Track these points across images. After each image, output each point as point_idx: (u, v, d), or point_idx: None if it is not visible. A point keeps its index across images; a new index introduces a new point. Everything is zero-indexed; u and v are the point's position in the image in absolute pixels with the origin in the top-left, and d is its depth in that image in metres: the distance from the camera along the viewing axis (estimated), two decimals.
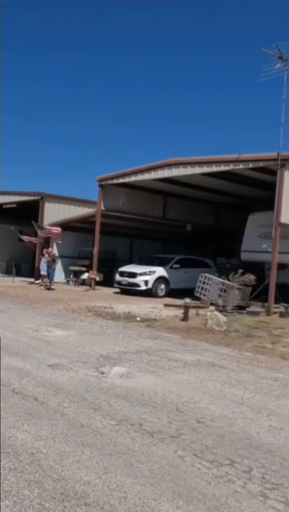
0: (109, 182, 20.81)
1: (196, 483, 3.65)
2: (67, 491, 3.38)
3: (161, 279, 19.83)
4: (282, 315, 13.48)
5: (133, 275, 19.77)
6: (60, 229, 22.37)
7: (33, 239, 23.49)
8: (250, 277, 14.87)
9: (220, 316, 11.36)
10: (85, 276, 23.01)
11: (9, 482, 3.45)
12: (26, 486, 3.41)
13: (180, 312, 12.95)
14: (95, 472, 3.71)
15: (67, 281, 23.81)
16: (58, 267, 23.01)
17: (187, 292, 15.97)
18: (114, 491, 3.43)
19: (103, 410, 5.17)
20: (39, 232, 23.19)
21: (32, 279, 23.78)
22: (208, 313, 11.62)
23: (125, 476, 3.68)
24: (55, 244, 24.09)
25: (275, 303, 14.22)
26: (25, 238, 23.51)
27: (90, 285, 21.41)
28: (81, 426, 4.67)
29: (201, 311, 12.98)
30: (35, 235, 24.07)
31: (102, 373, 6.73)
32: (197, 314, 12.69)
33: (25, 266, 27.11)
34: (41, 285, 21.56)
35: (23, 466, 3.73)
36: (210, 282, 15.58)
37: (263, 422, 5.16)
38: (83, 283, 22.83)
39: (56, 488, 3.41)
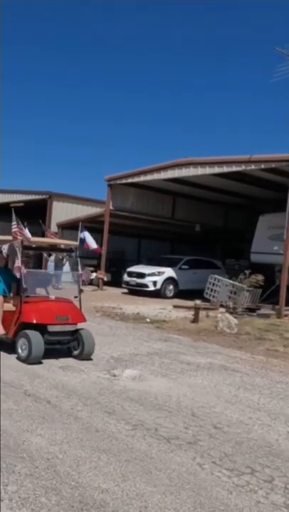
0: (118, 182, 20.69)
1: (217, 493, 3.54)
2: (86, 499, 3.27)
3: (169, 280, 19.69)
4: None
5: (142, 276, 19.64)
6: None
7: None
8: (258, 277, 14.70)
9: (231, 318, 11.23)
10: (93, 276, 22.91)
11: (26, 489, 3.36)
12: (43, 494, 3.31)
13: (189, 313, 12.83)
14: (113, 479, 3.60)
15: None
16: (66, 267, 22.91)
17: (196, 293, 15.83)
18: (134, 500, 3.32)
19: (117, 414, 5.07)
20: (47, 233, 23.09)
21: None
22: (219, 315, 11.49)
23: (144, 483, 3.58)
24: None
25: (286, 305, 14.05)
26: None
27: (98, 285, 21.31)
28: (96, 430, 4.57)
29: (211, 313, 12.83)
30: (43, 234, 23.99)
31: (114, 376, 6.63)
32: (207, 316, 12.55)
33: (31, 265, 27.04)
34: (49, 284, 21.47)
35: (39, 472, 3.63)
36: (219, 284, 15.44)
37: (281, 428, 5.04)
38: (91, 283, 22.73)
39: (74, 496, 3.30)
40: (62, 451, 4.02)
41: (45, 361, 7.12)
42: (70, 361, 7.29)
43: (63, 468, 3.71)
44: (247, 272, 14.84)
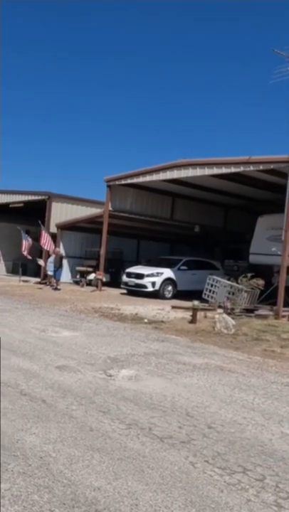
0: (117, 182, 20.74)
1: (208, 491, 3.57)
2: (78, 497, 3.30)
3: (168, 281, 19.74)
4: None
5: (140, 276, 19.69)
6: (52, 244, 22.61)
7: (26, 249, 23.35)
8: (260, 282, 14.71)
9: (228, 319, 11.25)
10: (92, 276, 22.97)
11: (18, 486, 3.39)
12: (36, 491, 3.34)
13: (188, 314, 12.86)
14: (105, 478, 3.63)
15: (76, 282, 23.74)
16: (65, 267, 22.98)
17: (194, 294, 15.88)
18: (125, 498, 3.35)
19: (112, 414, 5.10)
20: (44, 233, 23.17)
21: (38, 279, 23.78)
22: (217, 316, 11.51)
23: (136, 482, 3.61)
24: (62, 244, 24.08)
25: (284, 306, 14.08)
26: (24, 249, 23.38)
27: (97, 286, 21.35)
28: (90, 429, 4.60)
29: (209, 314, 12.87)
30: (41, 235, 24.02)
31: (110, 376, 6.66)
32: (205, 317, 12.59)
33: (31, 265, 27.09)
34: (48, 285, 21.53)
35: (33, 470, 3.66)
36: (218, 285, 15.47)
37: (275, 428, 5.06)
38: (90, 283, 22.80)
39: (66, 494, 3.33)
40: (55, 450, 4.05)
41: (41, 361, 7.16)
42: (67, 361, 7.32)
43: (56, 467, 3.74)
44: (249, 274, 14.85)
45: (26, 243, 23.21)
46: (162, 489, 3.53)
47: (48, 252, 22.94)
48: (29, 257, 23.30)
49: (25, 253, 23.28)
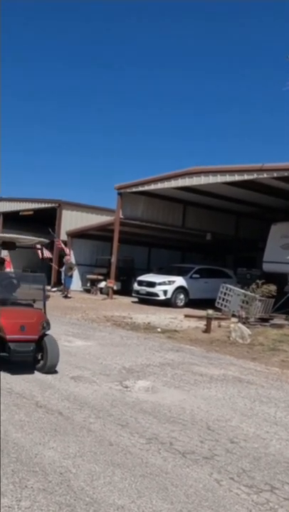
0: (128, 190, 20.66)
1: (236, 511, 3.41)
2: None
3: (180, 289, 19.55)
4: None
5: (152, 284, 19.53)
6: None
7: (49, 254, 23.48)
8: (270, 287, 14.49)
9: (244, 328, 11.05)
10: (102, 284, 22.86)
11: (39, 504, 3.25)
12: (58, 510, 3.20)
13: (201, 323, 12.68)
14: (129, 495, 3.48)
15: (87, 290, 23.64)
16: (75, 275, 22.90)
17: (207, 303, 15.69)
18: None
19: (131, 427, 4.95)
20: (55, 241, 23.18)
21: (48, 287, 23.72)
22: (232, 326, 11.32)
23: (161, 500, 3.45)
24: (72, 252, 24.02)
25: None
26: (47, 254, 23.47)
27: (108, 294, 21.23)
28: (109, 444, 4.45)
29: (223, 323, 12.69)
30: (52, 243, 24.03)
31: (127, 387, 6.51)
32: (219, 326, 12.41)
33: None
34: (63, 294, 21.46)
35: (53, 487, 3.52)
36: (231, 293, 15.26)
37: None
38: (100, 291, 22.70)
39: None
40: (75, 466, 3.91)
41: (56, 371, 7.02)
42: (82, 372, 7.18)
43: (77, 483, 3.60)
44: (259, 281, 14.65)
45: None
46: (188, 508, 3.38)
47: (57, 259, 22.94)
48: (50, 257, 23.33)
49: (50, 255, 23.39)
